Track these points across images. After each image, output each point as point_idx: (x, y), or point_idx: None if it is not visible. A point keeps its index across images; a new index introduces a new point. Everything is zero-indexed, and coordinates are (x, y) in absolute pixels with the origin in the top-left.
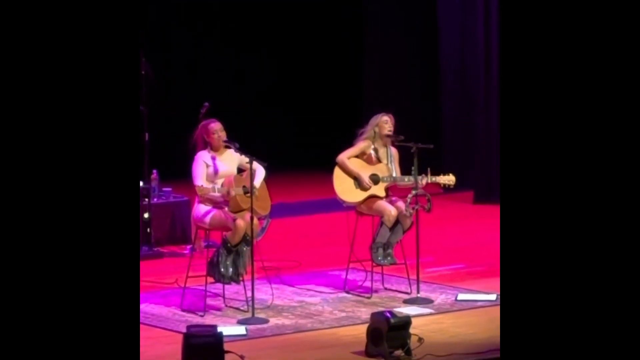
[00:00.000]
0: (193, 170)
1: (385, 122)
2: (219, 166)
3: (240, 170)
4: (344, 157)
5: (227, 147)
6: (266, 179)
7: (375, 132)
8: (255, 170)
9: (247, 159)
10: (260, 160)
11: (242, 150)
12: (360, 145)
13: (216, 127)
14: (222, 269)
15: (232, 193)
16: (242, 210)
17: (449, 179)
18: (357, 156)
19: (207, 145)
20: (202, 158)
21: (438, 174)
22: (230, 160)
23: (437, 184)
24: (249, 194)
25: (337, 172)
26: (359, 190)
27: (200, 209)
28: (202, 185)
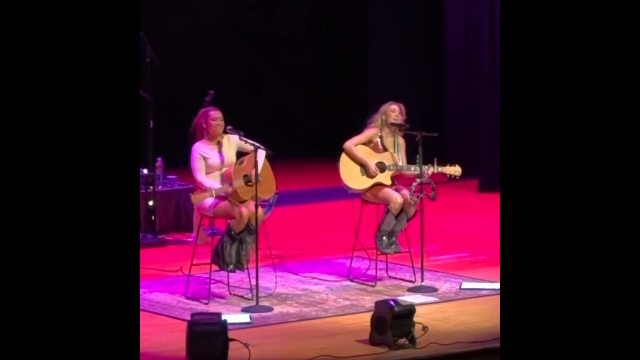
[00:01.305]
0: (192, 165)
1: (392, 111)
2: (223, 156)
3: (239, 154)
4: (351, 144)
5: (231, 133)
6: (271, 165)
7: (382, 120)
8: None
9: (248, 146)
10: (264, 148)
11: (245, 139)
12: (367, 133)
13: (216, 115)
14: (227, 257)
15: (234, 186)
16: (245, 200)
17: (455, 170)
18: (364, 144)
19: (204, 133)
20: (198, 151)
21: (445, 165)
22: (229, 146)
23: (443, 174)
24: (250, 183)
25: (344, 159)
26: (365, 177)
27: (205, 199)
28: (197, 193)
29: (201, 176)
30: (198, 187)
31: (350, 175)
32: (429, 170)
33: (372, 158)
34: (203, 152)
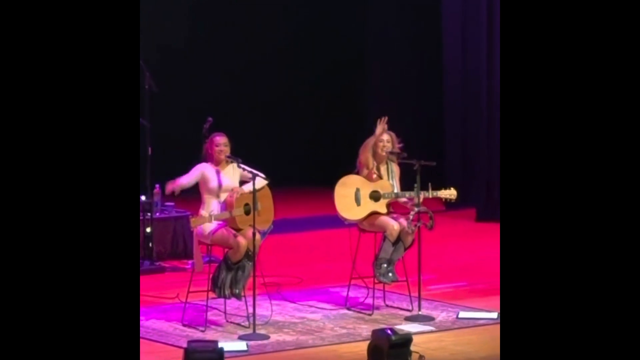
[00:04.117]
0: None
1: (380, 141)
2: (223, 180)
3: (241, 182)
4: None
5: (230, 162)
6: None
7: (373, 151)
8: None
9: (247, 173)
10: (263, 176)
11: (244, 166)
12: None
13: (220, 140)
14: (223, 285)
15: (233, 214)
16: (242, 229)
17: (450, 193)
18: (358, 173)
19: (211, 157)
20: (201, 168)
21: (439, 189)
22: (233, 173)
23: (439, 199)
24: (250, 214)
25: (338, 190)
26: (360, 207)
27: (204, 226)
28: (196, 217)
29: (182, 178)
30: (192, 213)
31: (346, 206)
32: (422, 195)
33: (367, 187)
34: (205, 171)
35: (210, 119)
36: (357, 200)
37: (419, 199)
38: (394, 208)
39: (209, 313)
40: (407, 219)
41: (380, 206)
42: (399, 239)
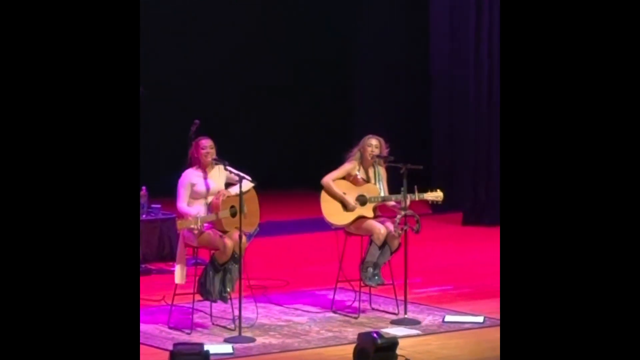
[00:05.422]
0: (178, 190)
1: (369, 145)
2: (209, 184)
3: (227, 185)
4: (329, 179)
5: (216, 164)
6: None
7: (360, 153)
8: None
9: (234, 176)
10: (249, 179)
11: (231, 169)
12: (345, 167)
13: (206, 143)
14: (210, 287)
15: (219, 216)
16: (227, 231)
17: (436, 195)
18: (343, 177)
19: (196, 161)
20: (188, 178)
21: (425, 191)
22: (219, 176)
23: (426, 202)
24: (236, 216)
25: (324, 195)
26: (346, 212)
27: (190, 228)
28: (183, 219)
29: (183, 205)
30: (178, 215)
31: (332, 211)
32: (408, 199)
33: (353, 192)
34: (192, 179)
35: (197, 121)
36: (344, 206)
37: (405, 202)
38: (382, 211)
39: (194, 316)
40: (393, 223)
41: (367, 210)
42: (385, 243)
